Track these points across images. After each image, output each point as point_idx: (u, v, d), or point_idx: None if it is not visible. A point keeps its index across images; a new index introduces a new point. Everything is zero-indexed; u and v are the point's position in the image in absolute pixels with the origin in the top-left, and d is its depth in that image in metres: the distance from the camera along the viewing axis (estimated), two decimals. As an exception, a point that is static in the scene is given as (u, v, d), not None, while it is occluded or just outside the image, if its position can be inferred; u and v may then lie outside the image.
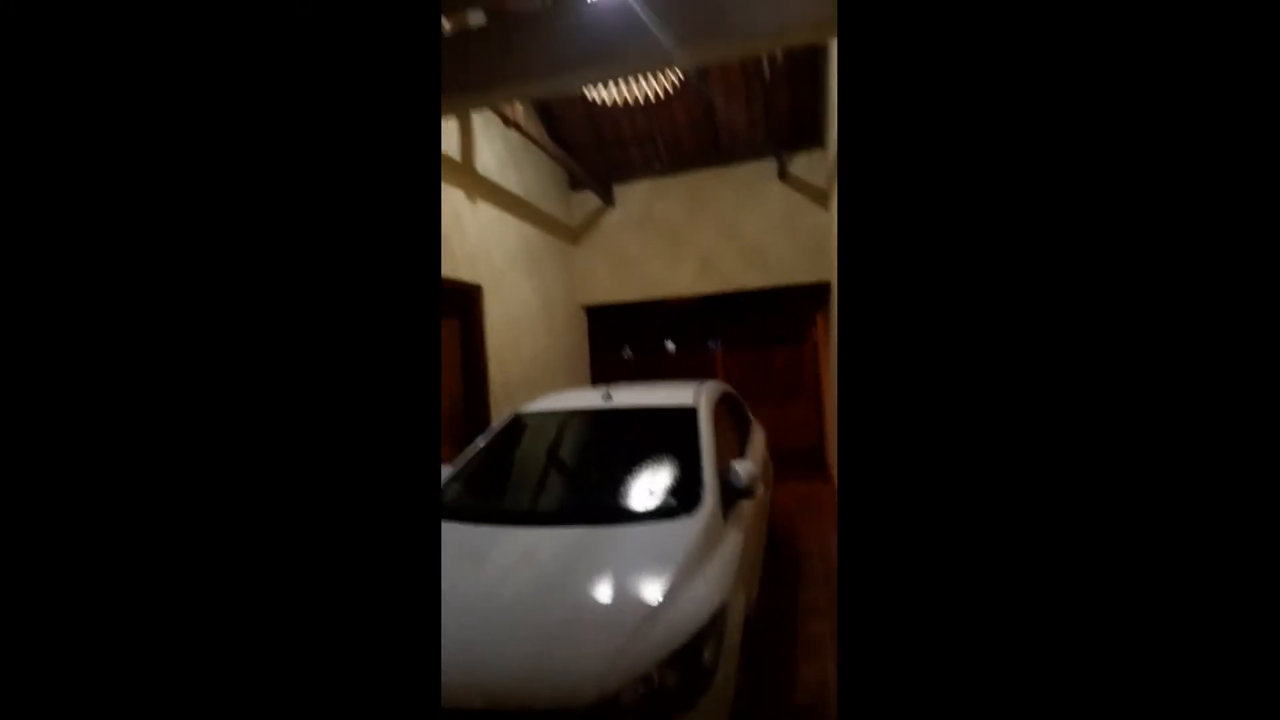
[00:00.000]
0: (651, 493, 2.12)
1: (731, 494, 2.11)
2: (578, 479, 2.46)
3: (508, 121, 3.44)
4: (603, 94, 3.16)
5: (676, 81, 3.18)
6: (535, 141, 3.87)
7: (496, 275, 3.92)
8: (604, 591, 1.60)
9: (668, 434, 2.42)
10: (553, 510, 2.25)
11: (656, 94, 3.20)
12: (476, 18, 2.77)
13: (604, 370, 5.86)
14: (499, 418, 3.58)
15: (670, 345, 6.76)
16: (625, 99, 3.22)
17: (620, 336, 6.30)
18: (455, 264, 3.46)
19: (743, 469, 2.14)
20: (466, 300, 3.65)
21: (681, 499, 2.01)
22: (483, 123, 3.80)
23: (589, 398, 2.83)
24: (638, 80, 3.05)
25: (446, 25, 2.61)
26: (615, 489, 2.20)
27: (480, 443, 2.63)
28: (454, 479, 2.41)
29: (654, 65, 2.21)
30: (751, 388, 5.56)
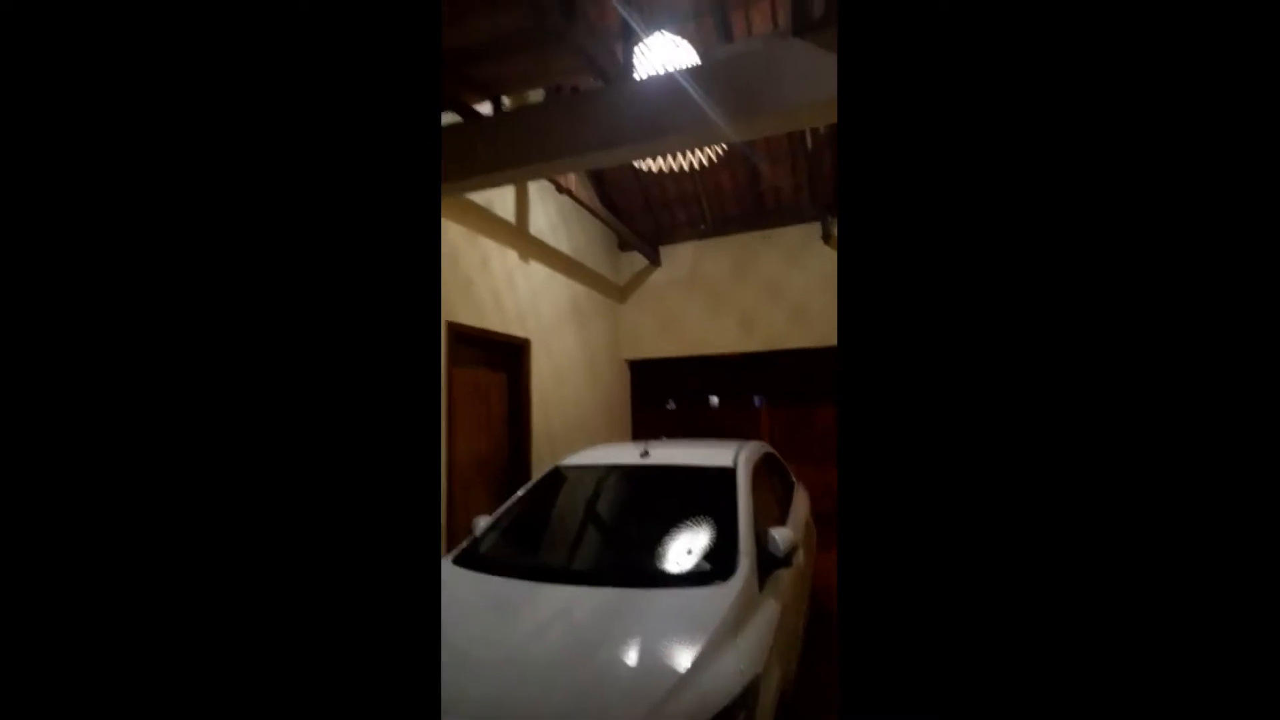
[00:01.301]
0: (687, 556, 2.09)
1: (769, 562, 2.06)
2: (613, 537, 2.45)
3: (560, 189, 3.66)
4: (651, 164, 3.33)
5: (722, 150, 3.32)
6: (585, 206, 4.09)
7: (544, 330, 4.06)
8: (634, 656, 1.57)
9: (705, 495, 2.40)
10: (587, 569, 2.24)
11: (702, 163, 3.35)
12: (536, 96, 3.01)
13: (646, 422, 5.88)
14: (540, 469, 3.63)
15: (714, 399, 6.74)
16: (673, 168, 3.38)
17: (664, 389, 6.34)
18: (506, 320, 3.62)
19: (781, 537, 2.09)
20: (515, 355, 3.79)
21: (716, 564, 1.98)
22: (538, 188, 4.05)
23: (627, 453, 2.84)
24: (685, 152, 3.21)
25: (508, 103, 2.84)
26: (650, 550, 2.18)
27: (519, 494, 2.67)
28: (491, 529, 2.44)
29: (701, 140, 2.33)
30: (796, 447, 5.44)
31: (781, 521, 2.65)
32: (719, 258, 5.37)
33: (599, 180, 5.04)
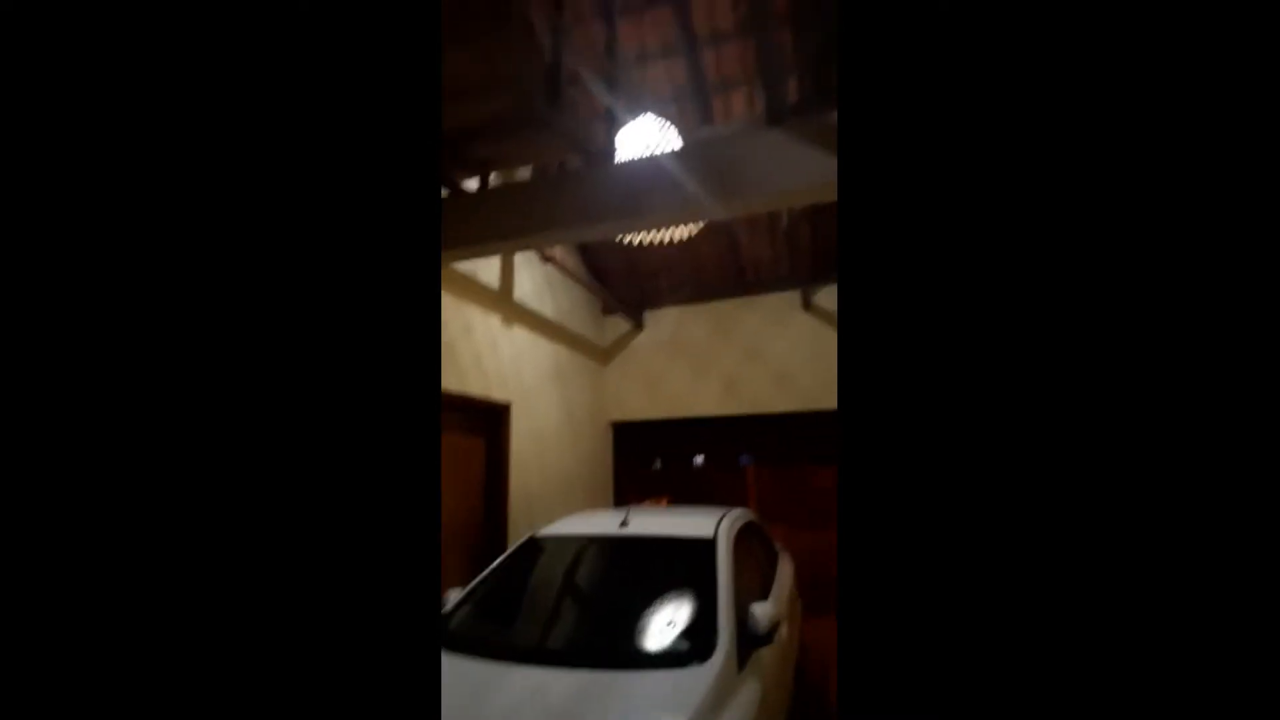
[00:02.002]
0: (664, 634, 2.03)
1: (750, 640, 2.00)
2: (589, 612, 2.38)
3: (545, 258, 3.76)
4: (635, 238, 3.46)
5: (702, 224, 3.46)
6: (569, 274, 4.19)
7: (526, 393, 4.06)
8: (607, 748, 1.50)
9: (684, 568, 2.35)
10: (562, 648, 2.16)
11: (683, 237, 3.48)
12: (524, 174, 3.14)
13: (631, 482, 5.79)
14: (516, 535, 3.54)
15: (699, 460, 6.68)
16: (656, 240, 3.51)
17: (648, 450, 6.28)
18: (488, 384, 3.63)
19: (762, 613, 2.04)
20: (495, 418, 3.76)
21: (695, 643, 1.92)
22: (523, 257, 4.15)
23: (606, 522, 2.80)
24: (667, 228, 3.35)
25: (497, 180, 2.96)
26: (627, 627, 2.12)
27: (494, 565, 2.60)
28: (463, 603, 2.36)
29: (681, 218, 2.44)
30: (785, 509, 5.35)
31: (764, 594, 2.59)
32: (701, 322, 5.48)
33: (584, 248, 5.18)
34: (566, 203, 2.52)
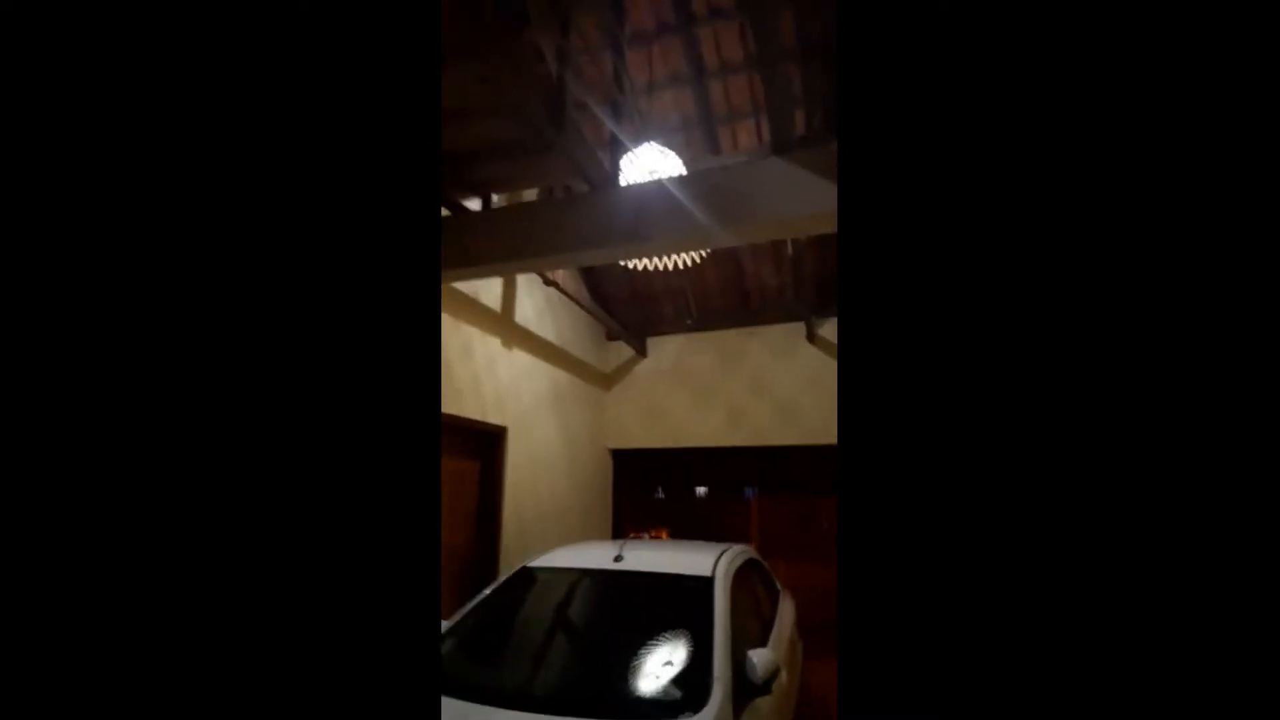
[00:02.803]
0: (655, 681, 1.92)
1: (746, 689, 1.89)
2: (579, 653, 2.26)
3: (548, 281, 3.73)
4: (638, 263, 3.43)
5: (706, 252, 3.43)
6: (572, 297, 4.16)
7: (523, 417, 3.99)
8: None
9: (679, 607, 2.24)
10: (549, 694, 2.04)
11: (688, 262, 3.45)
12: (530, 194, 3.13)
13: (631, 511, 5.66)
14: (509, 564, 3.43)
15: (701, 490, 6.54)
16: (661, 266, 3.48)
17: (649, 479, 6.16)
18: (484, 407, 3.56)
19: (761, 661, 1.93)
20: (491, 442, 3.68)
21: (687, 692, 1.81)
22: (525, 279, 4.13)
23: (600, 555, 2.70)
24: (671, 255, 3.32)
25: (498, 200, 2.94)
26: (616, 671, 2.00)
27: (483, 595, 2.50)
28: (449, 635, 2.25)
29: (685, 244, 2.40)
30: (790, 542, 5.20)
31: (763, 638, 2.47)
32: (705, 351, 5.42)
33: (588, 271, 5.16)
34: (569, 226, 2.48)
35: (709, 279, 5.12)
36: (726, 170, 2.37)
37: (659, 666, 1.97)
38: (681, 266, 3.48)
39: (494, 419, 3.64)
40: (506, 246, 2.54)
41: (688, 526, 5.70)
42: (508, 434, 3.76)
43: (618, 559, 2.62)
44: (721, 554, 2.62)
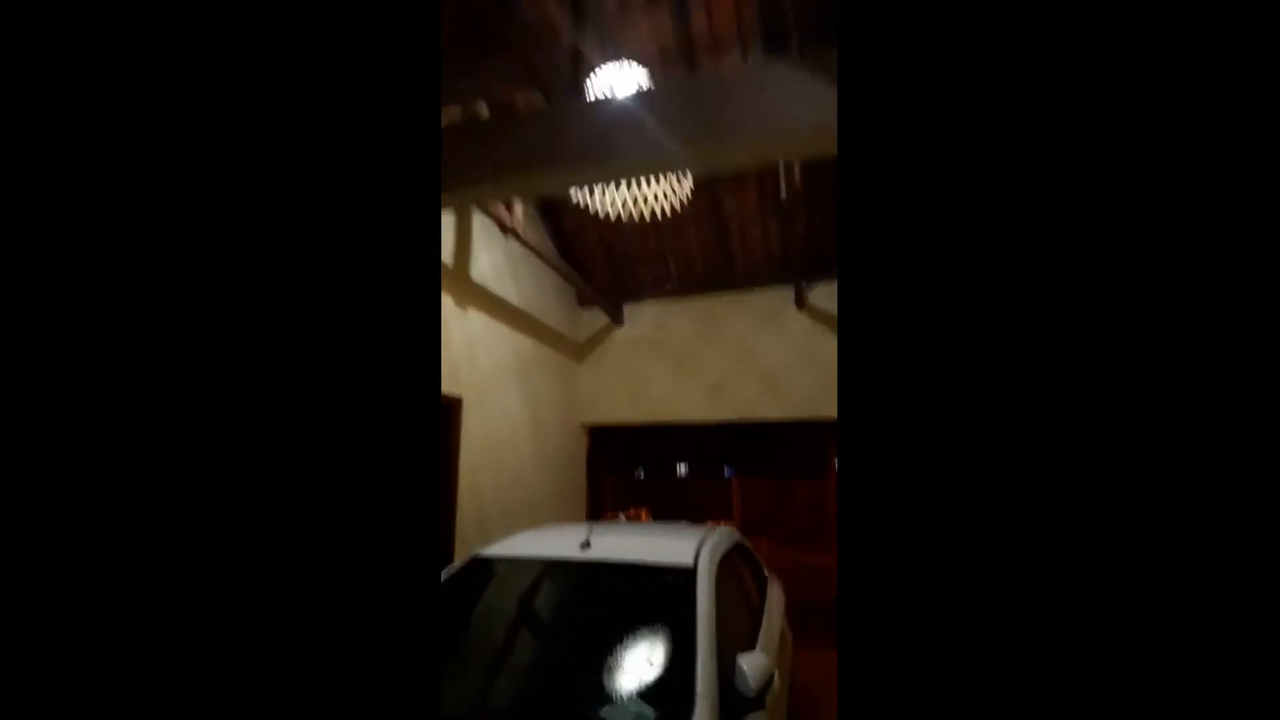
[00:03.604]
0: (628, 695, 1.54)
1: (735, 703, 1.53)
2: (538, 660, 1.87)
3: (505, 228, 3.27)
4: (610, 206, 2.99)
5: (686, 198, 3.01)
6: (535, 251, 3.69)
7: (481, 387, 3.55)
8: None
9: (657, 604, 1.87)
10: (501, 709, 1.66)
11: (664, 211, 3.02)
12: (483, 109, 2.65)
13: (606, 493, 5.29)
14: (464, 551, 3.03)
15: (682, 469, 6.19)
16: (634, 214, 3.04)
17: (626, 457, 5.78)
18: (434, 374, 3.11)
19: (753, 668, 1.57)
20: (444, 415, 3.24)
21: (665, 708, 1.44)
22: (483, 230, 3.66)
23: (565, 542, 2.30)
24: (644, 184, 2.88)
25: (457, 115, 2.46)
26: (583, 682, 1.62)
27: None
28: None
29: (657, 167, 1.98)
30: (771, 524, 4.91)
31: (753, 637, 2.10)
32: (686, 320, 5.02)
33: (557, 230, 4.70)
34: (528, 144, 2.03)
35: (690, 239, 4.69)
36: (704, 81, 1.93)
37: (634, 674, 1.60)
38: (660, 215, 3.05)
39: (447, 388, 3.19)
40: (461, 168, 2.08)
41: (668, 506, 5.39)
42: (463, 405, 3.32)
43: (585, 545, 2.23)
44: (704, 539, 2.24)
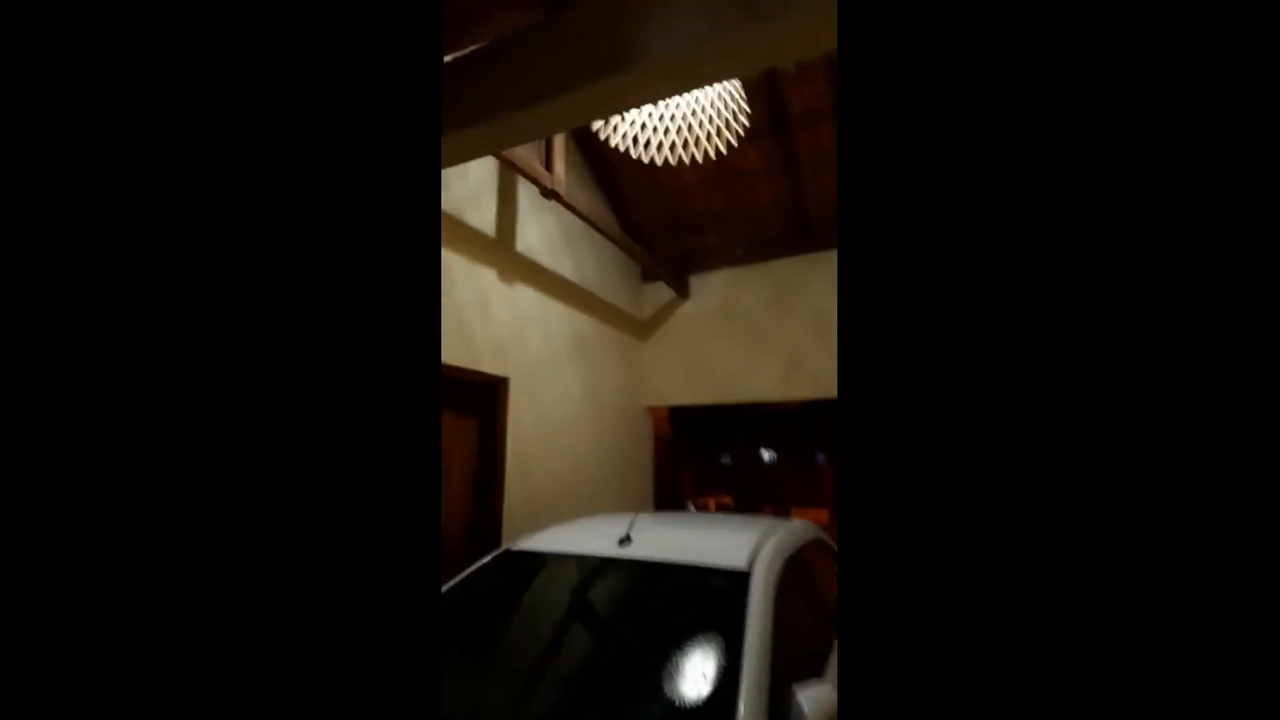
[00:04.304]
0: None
1: (789, 751, 1.16)
2: (554, 674, 1.59)
3: (546, 191, 2.99)
4: (658, 151, 2.62)
5: (743, 125, 2.57)
6: (586, 219, 3.39)
7: (532, 367, 3.33)
8: None
9: (700, 612, 1.53)
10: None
11: (721, 148, 2.61)
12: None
13: (686, 480, 4.98)
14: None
15: (766, 455, 5.71)
16: (686, 157, 2.66)
17: (710, 441, 5.41)
18: (475, 354, 2.91)
19: (813, 703, 1.20)
20: (488, 396, 3.05)
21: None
22: (532, 199, 3.41)
23: (604, 535, 2.01)
24: (695, 120, 2.49)
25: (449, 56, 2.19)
26: (603, 704, 1.33)
27: (454, 583, 1.90)
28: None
29: (695, 73, 1.59)
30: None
31: (821, 661, 1.70)
32: (757, 288, 4.55)
33: (616, 199, 4.39)
34: (529, 67, 1.72)
35: (762, 196, 4.21)
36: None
37: (661, 702, 1.28)
38: (713, 153, 2.65)
39: (488, 368, 2.99)
40: (459, 108, 1.81)
41: (754, 494, 4.99)
42: (509, 386, 3.11)
43: (624, 541, 1.92)
44: (767, 536, 1.86)
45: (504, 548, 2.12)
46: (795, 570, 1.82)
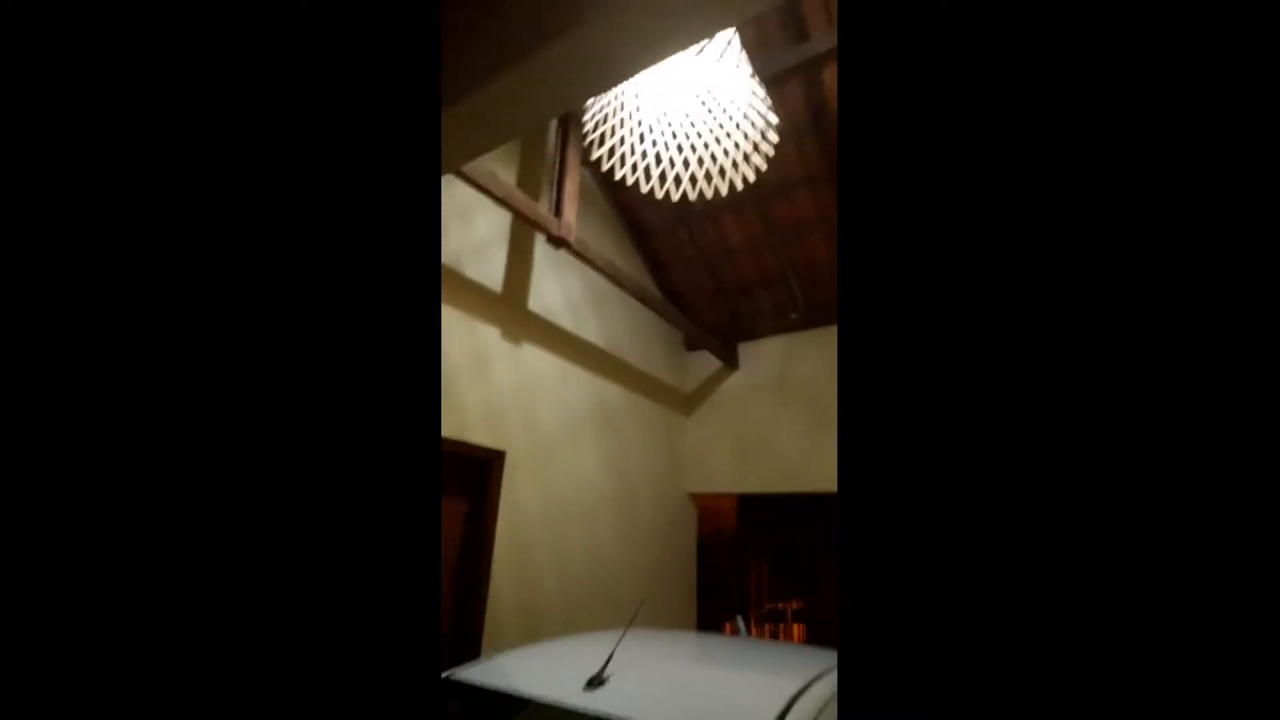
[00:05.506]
0: None
1: None
2: None
3: (553, 238, 2.64)
4: (675, 185, 2.24)
5: (769, 149, 2.13)
6: (597, 268, 2.99)
7: (539, 441, 2.85)
8: None
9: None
10: None
11: (748, 175, 2.18)
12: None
13: (754, 582, 4.21)
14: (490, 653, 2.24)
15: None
16: (708, 190, 2.25)
17: (783, 535, 4.63)
18: (464, 423, 2.49)
19: None
20: (478, 472, 2.58)
21: None
22: (549, 256, 3.10)
23: (573, 667, 1.43)
24: (715, 145, 2.08)
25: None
26: None
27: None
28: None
29: (678, 30, 1.19)
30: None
31: None
32: (816, 354, 3.94)
33: (654, 261, 4.03)
34: (516, 13, 1.39)
35: (817, 252, 3.71)
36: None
37: None
38: (746, 182, 2.22)
39: (480, 439, 2.55)
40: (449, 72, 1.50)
41: (829, 602, 4.13)
42: (505, 462, 2.64)
43: (595, 683, 1.34)
44: (811, 684, 1.22)
45: (446, 673, 1.58)
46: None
